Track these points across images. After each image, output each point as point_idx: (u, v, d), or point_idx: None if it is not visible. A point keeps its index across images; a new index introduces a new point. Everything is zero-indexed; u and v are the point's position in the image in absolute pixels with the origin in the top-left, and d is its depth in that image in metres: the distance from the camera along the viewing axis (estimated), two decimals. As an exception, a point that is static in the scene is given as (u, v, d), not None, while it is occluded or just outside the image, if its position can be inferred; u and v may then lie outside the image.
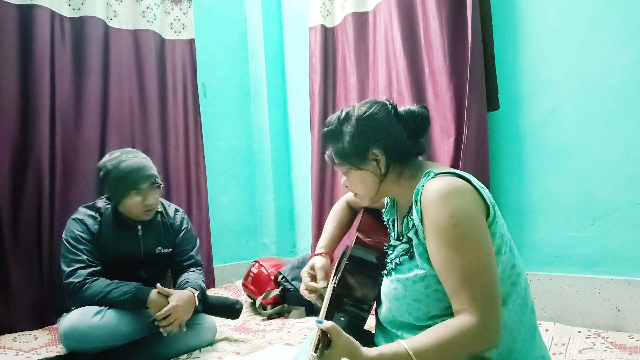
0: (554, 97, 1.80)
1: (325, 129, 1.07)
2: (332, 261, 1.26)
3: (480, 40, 1.88)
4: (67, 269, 1.69)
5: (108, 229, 1.79)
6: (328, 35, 2.63)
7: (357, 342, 0.81)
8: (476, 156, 1.88)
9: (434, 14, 1.99)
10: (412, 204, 0.95)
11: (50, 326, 2.08)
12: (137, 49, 2.57)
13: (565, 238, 1.77)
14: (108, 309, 1.64)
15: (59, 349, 1.82)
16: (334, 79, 2.63)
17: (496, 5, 1.94)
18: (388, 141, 1.00)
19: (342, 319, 1.06)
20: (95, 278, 1.68)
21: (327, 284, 1.18)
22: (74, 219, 1.78)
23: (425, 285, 0.92)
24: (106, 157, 1.79)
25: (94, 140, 2.36)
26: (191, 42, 2.77)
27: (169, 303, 1.65)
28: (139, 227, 1.83)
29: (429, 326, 0.88)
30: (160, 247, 1.88)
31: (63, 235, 1.76)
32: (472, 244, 0.85)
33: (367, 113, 1.01)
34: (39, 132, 2.17)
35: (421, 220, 0.91)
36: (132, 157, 1.76)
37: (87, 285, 1.65)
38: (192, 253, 1.95)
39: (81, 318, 1.60)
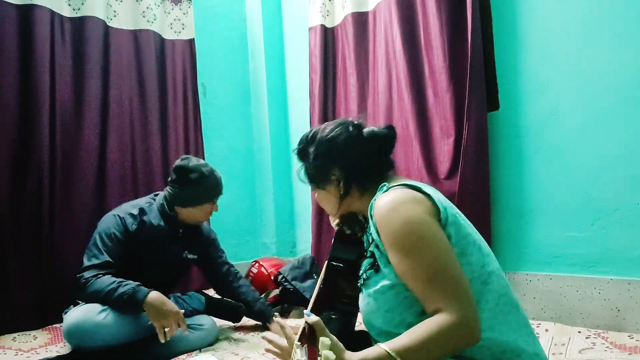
0: (554, 97, 1.80)
1: (296, 147, 1.13)
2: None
3: (480, 40, 1.88)
4: (86, 263, 1.69)
5: (150, 228, 1.80)
6: (328, 35, 2.62)
7: (341, 344, 0.81)
8: (476, 156, 1.88)
9: (434, 14, 1.99)
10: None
11: (50, 326, 2.08)
12: (137, 49, 2.57)
13: (565, 238, 1.77)
14: None
15: (58, 349, 1.82)
16: (334, 79, 2.63)
17: (496, 6, 1.94)
18: (348, 163, 1.05)
19: (333, 317, 1.06)
20: (100, 274, 1.65)
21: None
22: (113, 215, 1.79)
23: (395, 294, 0.92)
24: (193, 161, 1.82)
25: (94, 140, 2.36)
26: (191, 42, 2.77)
27: (166, 306, 1.60)
28: (181, 230, 1.88)
29: None
30: (192, 253, 1.94)
31: (97, 228, 1.77)
32: (428, 246, 0.87)
33: (329, 136, 1.07)
34: (39, 132, 2.17)
35: (378, 234, 0.93)
36: (212, 167, 1.87)
37: (90, 282, 1.63)
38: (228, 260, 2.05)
39: (85, 315, 1.60)
